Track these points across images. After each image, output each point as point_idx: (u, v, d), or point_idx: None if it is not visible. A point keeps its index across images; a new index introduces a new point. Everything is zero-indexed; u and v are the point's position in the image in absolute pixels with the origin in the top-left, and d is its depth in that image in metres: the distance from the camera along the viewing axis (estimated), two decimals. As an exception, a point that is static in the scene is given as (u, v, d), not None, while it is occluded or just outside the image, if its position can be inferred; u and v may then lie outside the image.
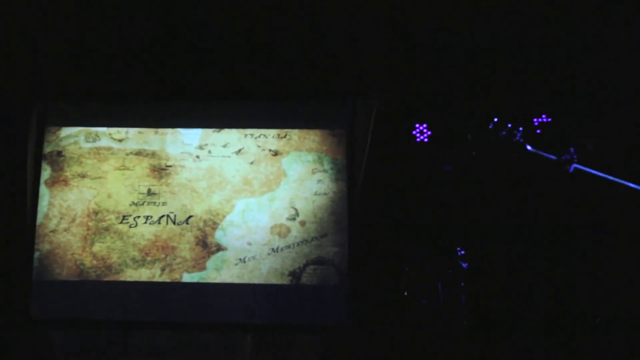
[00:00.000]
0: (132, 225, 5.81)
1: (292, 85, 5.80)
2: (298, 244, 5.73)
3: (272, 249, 5.73)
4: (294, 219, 5.79)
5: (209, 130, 6.00)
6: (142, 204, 5.85)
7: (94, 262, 5.73)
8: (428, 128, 5.75)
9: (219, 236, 5.78)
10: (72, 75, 5.77)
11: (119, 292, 5.65)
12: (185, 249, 5.76)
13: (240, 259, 5.72)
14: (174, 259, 5.73)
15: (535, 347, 5.02)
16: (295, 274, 5.68)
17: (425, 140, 5.74)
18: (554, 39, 5.33)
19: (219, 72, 5.76)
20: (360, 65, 5.66)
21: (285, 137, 5.98)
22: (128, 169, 5.93)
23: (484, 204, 5.45)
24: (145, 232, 5.79)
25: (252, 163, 5.92)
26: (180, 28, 5.48)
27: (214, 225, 5.79)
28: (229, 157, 5.94)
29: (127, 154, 5.97)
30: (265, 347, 5.59)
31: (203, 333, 5.68)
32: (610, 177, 3.73)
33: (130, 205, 5.85)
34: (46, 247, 5.76)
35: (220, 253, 5.74)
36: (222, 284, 5.66)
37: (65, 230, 5.80)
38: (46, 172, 5.93)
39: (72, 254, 5.75)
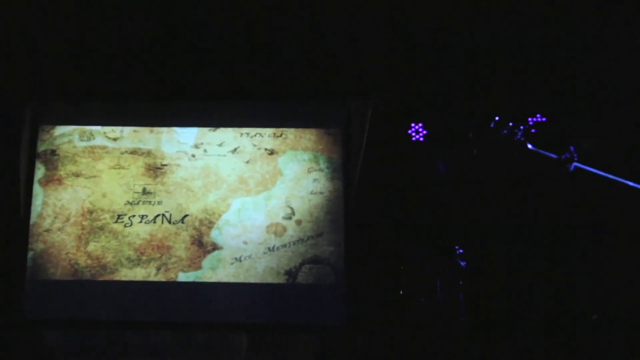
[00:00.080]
0: (127, 225, 5.75)
1: (291, 85, 5.80)
2: (294, 243, 5.71)
3: (268, 248, 5.69)
4: (290, 218, 5.77)
5: (205, 129, 5.97)
6: (137, 203, 5.80)
7: (89, 261, 5.67)
8: (424, 127, 5.76)
9: (214, 235, 5.73)
10: (69, 74, 5.73)
11: (114, 291, 5.60)
12: (181, 248, 5.71)
13: (236, 258, 5.67)
14: (170, 258, 5.68)
15: (535, 347, 5.03)
16: (291, 273, 5.65)
17: (421, 139, 5.75)
18: (554, 39, 5.35)
19: (216, 71, 5.75)
20: (360, 65, 5.67)
21: (281, 136, 5.95)
22: (123, 168, 5.88)
23: (483, 203, 5.46)
24: (140, 231, 5.74)
25: (247, 162, 5.89)
26: (177, 28, 5.46)
27: (210, 225, 5.75)
28: (224, 156, 5.91)
29: (122, 153, 5.92)
30: (264, 347, 5.55)
31: (199, 333, 5.61)
32: (611, 176, 3.72)
33: (125, 204, 5.80)
34: (40, 246, 5.69)
35: (216, 252, 5.70)
36: (218, 283, 5.62)
37: (59, 229, 5.74)
38: (40, 171, 5.87)
39: (66, 254, 5.68)
